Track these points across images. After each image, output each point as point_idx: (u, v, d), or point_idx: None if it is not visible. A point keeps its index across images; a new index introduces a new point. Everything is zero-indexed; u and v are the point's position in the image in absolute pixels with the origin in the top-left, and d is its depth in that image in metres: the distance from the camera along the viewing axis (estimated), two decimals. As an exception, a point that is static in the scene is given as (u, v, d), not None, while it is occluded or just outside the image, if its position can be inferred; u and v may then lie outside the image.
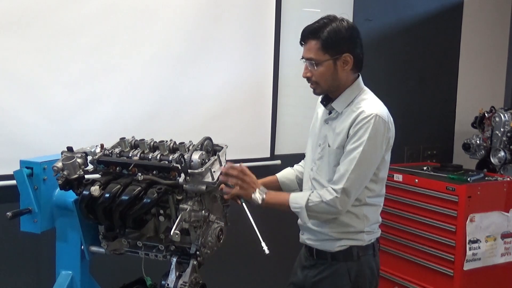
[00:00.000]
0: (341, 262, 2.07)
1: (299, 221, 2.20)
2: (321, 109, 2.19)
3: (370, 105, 1.99)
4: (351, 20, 3.72)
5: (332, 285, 2.10)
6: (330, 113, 2.10)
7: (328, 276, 2.10)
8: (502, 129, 3.83)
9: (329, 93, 2.08)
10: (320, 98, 2.19)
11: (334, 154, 2.03)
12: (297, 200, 2.00)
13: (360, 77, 2.10)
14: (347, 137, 1.97)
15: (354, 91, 2.05)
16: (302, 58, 2.05)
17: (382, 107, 2.02)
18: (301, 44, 2.05)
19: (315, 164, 2.12)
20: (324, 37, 1.96)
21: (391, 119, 2.04)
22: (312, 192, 2.01)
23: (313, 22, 2.02)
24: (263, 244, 1.90)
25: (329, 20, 1.99)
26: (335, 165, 2.01)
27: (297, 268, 2.27)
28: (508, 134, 3.80)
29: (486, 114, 3.98)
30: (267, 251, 1.86)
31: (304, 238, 2.19)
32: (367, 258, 2.10)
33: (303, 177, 2.24)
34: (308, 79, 2.05)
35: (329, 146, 2.05)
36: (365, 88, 2.10)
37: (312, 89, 2.08)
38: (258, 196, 1.98)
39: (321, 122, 2.15)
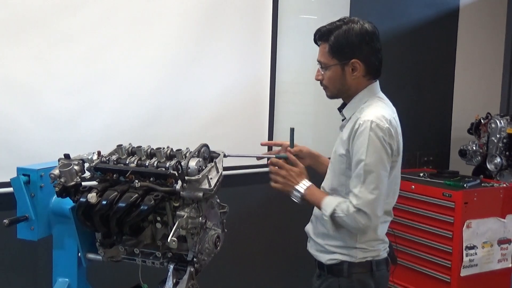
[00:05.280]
0: (333, 277, 2.01)
1: (305, 228, 2.19)
2: None
3: (369, 111, 1.90)
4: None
5: None
6: (344, 119, 2.05)
7: None
8: (498, 135, 3.85)
9: (341, 98, 2.04)
10: None
11: (338, 161, 1.98)
12: (326, 207, 1.92)
13: (376, 83, 2.02)
14: (348, 145, 1.92)
15: (364, 97, 1.98)
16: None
17: (382, 113, 1.90)
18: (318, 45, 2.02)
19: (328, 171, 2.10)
20: (331, 41, 1.92)
21: (397, 127, 1.94)
22: (340, 203, 1.90)
23: (326, 24, 1.98)
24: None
25: (343, 22, 1.94)
26: (340, 173, 1.97)
27: (314, 276, 2.22)
28: (504, 140, 3.82)
29: (482, 121, 4.00)
30: None
31: (308, 246, 2.17)
32: (361, 276, 1.99)
33: None
34: (320, 83, 2.02)
35: (335, 154, 2.01)
36: (379, 94, 2.02)
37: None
38: (296, 194, 2.00)
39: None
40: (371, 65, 1.96)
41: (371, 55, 1.95)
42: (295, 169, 2.03)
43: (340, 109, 2.07)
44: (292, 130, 2.14)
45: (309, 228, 2.17)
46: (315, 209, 2.12)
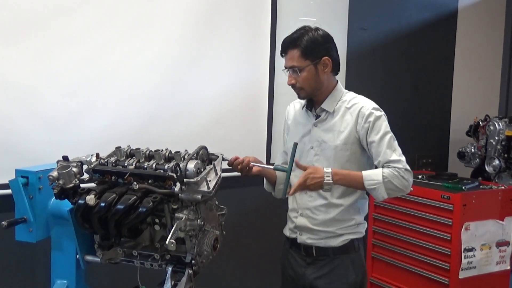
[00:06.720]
0: (344, 255, 2.20)
1: (297, 223, 2.25)
2: (300, 117, 2.32)
3: (364, 101, 2.19)
4: (346, 29, 3.78)
5: (337, 278, 2.18)
6: (317, 116, 2.23)
7: (332, 269, 2.19)
8: (496, 138, 3.86)
9: (313, 96, 2.23)
10: (291, 108, 2.41)
11: (342, 149, 2.16)
12: (372, 177, 2.09)
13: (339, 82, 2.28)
14: (356, 132, 2.14)
15: (339, 92, 2.24)
16: (284, 69, 2.19)
17: (371, 101, 2.21)
18: (282, 56, 2.21)
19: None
20: (303, 45, 2.12)
21: None
22: (383, 171, 2.09)
23: (290, 34, 2.18)
24: None
25: (305, 30, 2.16)
26: (345, 161, 2.16)
27: (290, 269, 2.31)
28: (503, 143, 3.82)
29: (480, 123, 4.01)
30: None
31: (304, 238, 2.25)
32: (363, 249, 2.27)
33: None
34: (293, 86, 2.20)
35: (330, 144, 2.17)
36: (346, 90, 2.29)
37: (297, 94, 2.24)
38: (327, 185, 2.05)
39: (307, 127, 2.27)
40: (336, 61, 2.21)
41: (334, 52, 2.21)
42: (309, 170, 2.08)
43: (310, 107, 2.26)
44: (295, 145, 2.15)
45: (303, 221, 2.24)
46: (306, 203, 2.22)
